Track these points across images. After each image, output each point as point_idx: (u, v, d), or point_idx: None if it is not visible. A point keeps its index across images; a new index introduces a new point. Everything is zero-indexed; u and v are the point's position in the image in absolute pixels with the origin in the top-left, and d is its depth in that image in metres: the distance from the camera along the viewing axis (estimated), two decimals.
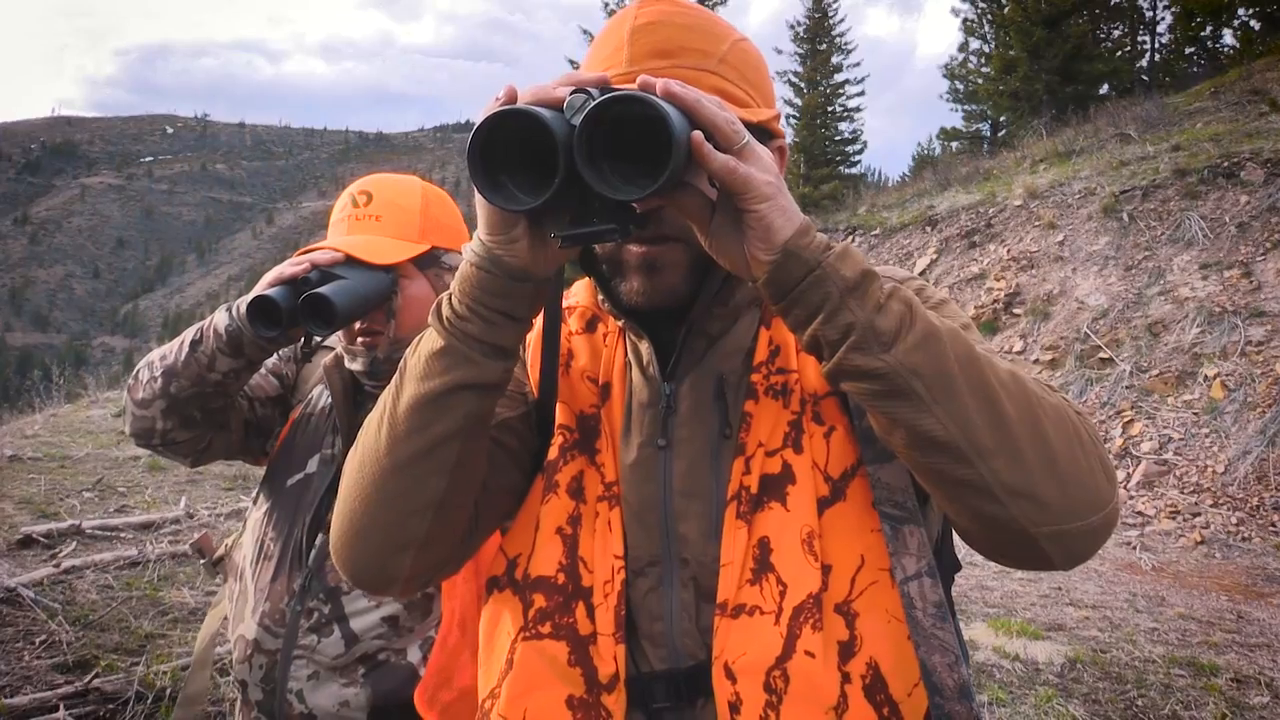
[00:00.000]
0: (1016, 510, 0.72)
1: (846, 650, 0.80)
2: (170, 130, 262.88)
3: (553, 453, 0.92)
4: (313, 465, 1.45)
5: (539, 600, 0.88)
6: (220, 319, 1.38)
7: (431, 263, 1.46)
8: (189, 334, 1.42)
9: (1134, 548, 6.58)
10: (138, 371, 1.46)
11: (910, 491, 0.82)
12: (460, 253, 1.52)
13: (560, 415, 0.94)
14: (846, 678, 0.79)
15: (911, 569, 0.80)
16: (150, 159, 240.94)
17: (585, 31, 21.13)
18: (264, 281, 1.35)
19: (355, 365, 1.44)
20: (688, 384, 0.91)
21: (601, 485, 0.90)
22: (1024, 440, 0.72)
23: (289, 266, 1.35)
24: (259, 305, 1.32)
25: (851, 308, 0.71)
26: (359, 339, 1.43)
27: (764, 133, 0.89)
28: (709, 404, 0.89)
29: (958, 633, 0.98)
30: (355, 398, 1.49)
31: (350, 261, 1.37)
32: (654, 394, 0.91)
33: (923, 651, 0.78)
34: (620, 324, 0.95)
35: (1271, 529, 6.61)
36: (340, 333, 1.48)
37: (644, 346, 0.92)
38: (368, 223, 1.43)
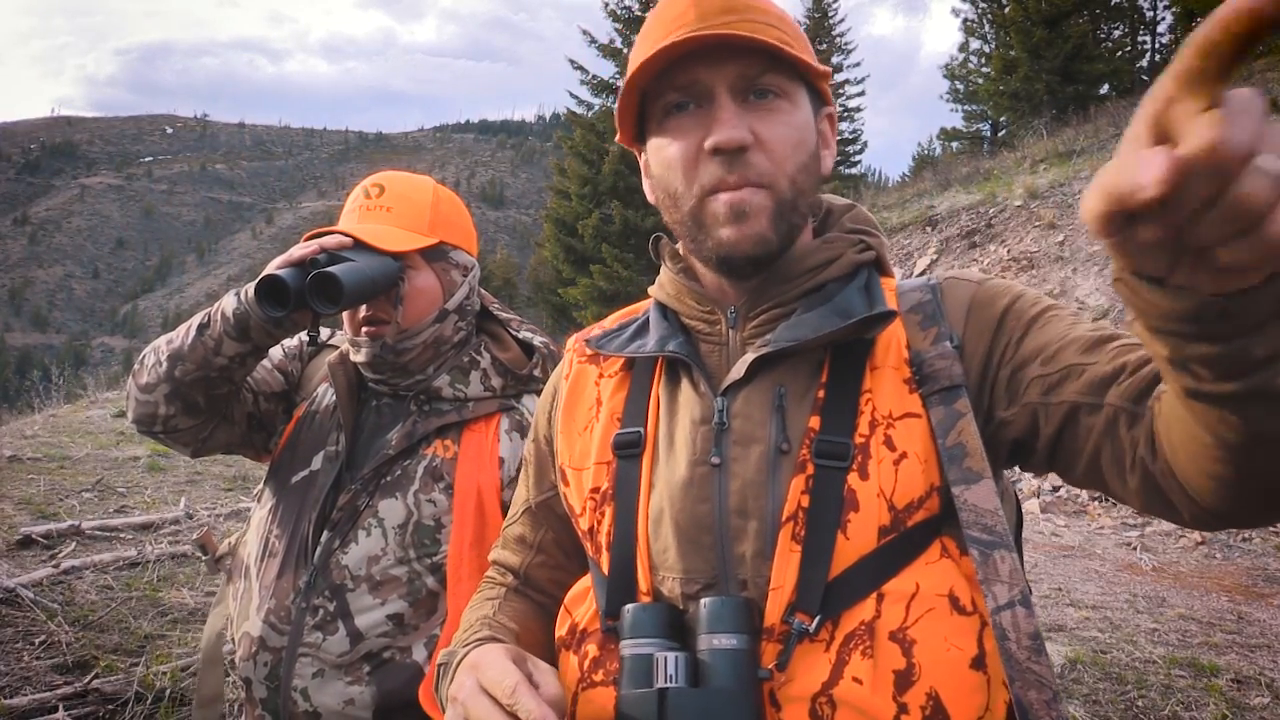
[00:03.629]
0: None
1: (904, 679, 0.76)
2: (170, 130, 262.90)
3: (586, 520, 0.95)
4: (317, 462, 1.45)
5: (591, 650, 0.88)
6: (228, 302, 1.38)
7: (439, 257, 1.46)
8: (197, 318, 1.42)
9: (1134, 548, 6.58)
10: (143, 357, 1.45)
11: (1000, 514, 0.77)
12: (469, 251, 1.52)
13: (590, 480, 0.95)
14: (904, 708, 0.76)
15: (1004, 598, 0.75)
16: (150, 159, 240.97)
17: (586, 32, 21.12)
18: (273, 264, 1.35)
19: (359, 357, 1.44)
20: (742, 398, 0.88)
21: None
22: None
23: (298, 249, 1.36)
24: (267, 285, 1.32)
25: None
26: (364, 329, 1.43)
27: (818, 92, 0.93)
28: (765, 418, 0.86)
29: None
30: (359, 395, 1.49)
31: (359, 247, 1.37)
32: (706, 410, 0.89)
33: (1018, 687, 0.73)
34: (656, 355, 0.95)
35: (1272, 529, 6.61)
36: (345, 324, 1.48)
37: (695, 370, 0.92)
38: (379, 213, 1.43)
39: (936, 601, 0.78)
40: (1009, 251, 11.28)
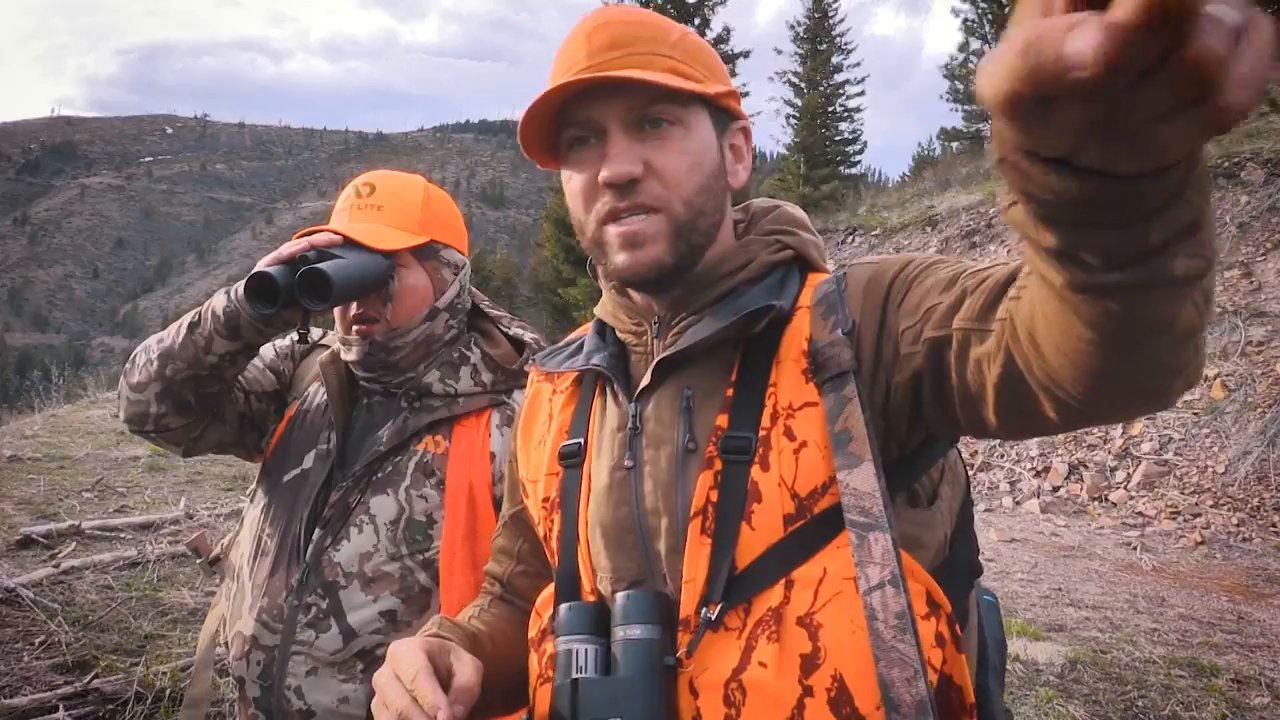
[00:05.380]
0: (1198, 357, 0.64)
1: (810, 663, 0.79)
2: (170, 130, 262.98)
3: (541, 528, 1.03)
4: (309, 461, 1.45)
5: (549, 649, 0.93)
6: (218, 301, 1.39)
7: (430, 255, 1.46)
8: (187, 317, 1.42)
9: (1134, 548, 6.58)
10: (134, 356, 1.46)
11: (877, 497, 0.79)
12: (459, 250, 1.52)
13: (542, 491, 1.02)
14: (809, 690, 0.78)
15: (875, 578, 0.77)
16: (150, 159, 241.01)
17: None
18: (263, 262, 1.35)
19: (350, 355, 1.45)
20: (653, 402, 0.92)
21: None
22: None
23: (288, 247, 1.36)
24: (257, 282, 1.32)
25: (1189, 196, 0.50)
26: (354, 327, 1.43)
27: (723, 111, 0.96)
28: (674, 420, 0.90)
29: (986, 644, 0.96)
30: (350, 393, 1.49)
31: (349, 245, 1.38)
32: (623, 417, 0.94)
33: (882, 666, 0.76)
34: (585, 369, 1.00)
35: (1272, 529, 6.61)
36: (336, 323, 1.48)
37: (616, 384, 0.96)
38: (369, 212, 1.44)
39: (843, 585, 0.80)
40: (1009, 251, 11.27)
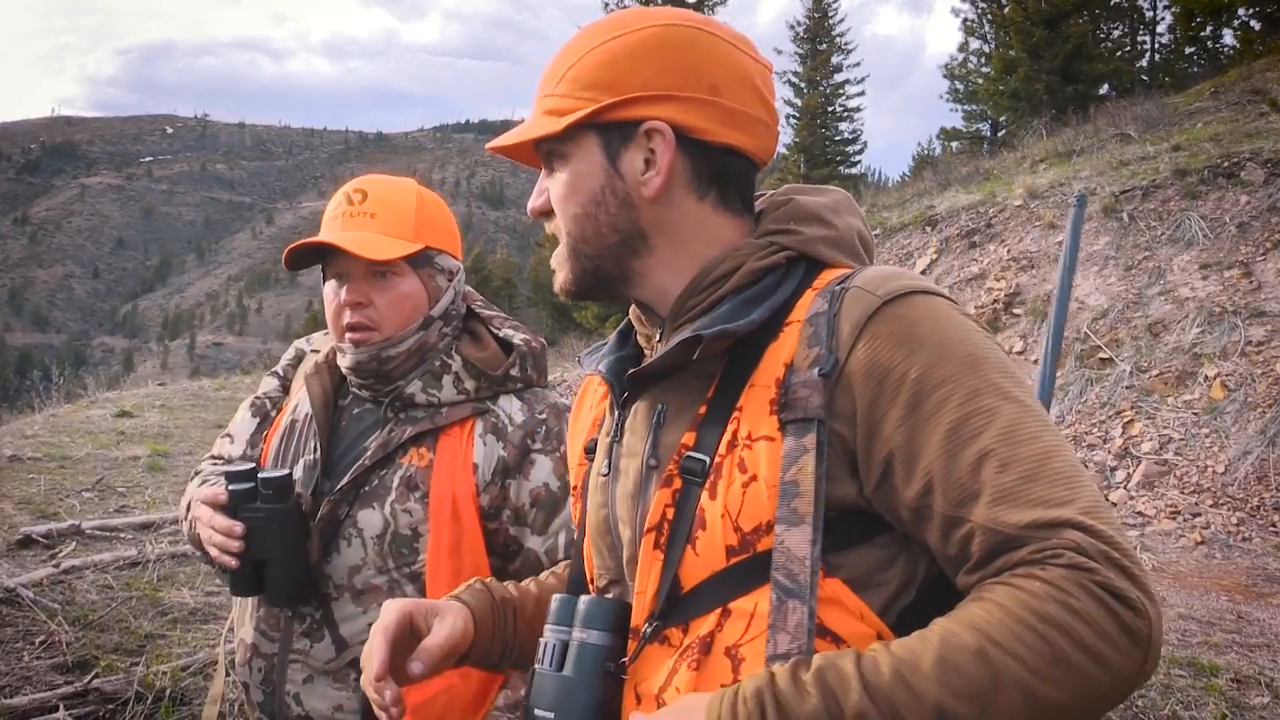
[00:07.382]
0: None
1: None
2: (170, 130, 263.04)
3: (575, 513, 1.08)
4: (298, 471, 1.45)
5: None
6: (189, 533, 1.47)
7: (425, 263, 1.45)
8: (191, 529, 1.46)
9: (1134, 547, 6.57)
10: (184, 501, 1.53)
11: (807, 565, 0.76)
12: (453, 255, 1.51)
13: (573, 478, 1.09)
14: None
15: (782, 647, 0.76)
16: (150, 159, 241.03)
17: None
18: (205, 533, 1.36)
19: (344, 362, 1.45)
20: (633, 412, 0.94)
21: None
22: None
23: (218, 551, 1.35)
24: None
25: None
26: (348, 335, 1.42)
27: (616, 125, 0.89)
28: (646, 433, 0.91)
29: None
30: (336, 401, 1.49)
31: (262, 515, 1.35)
32: (612, 424, 0.97)
33: None
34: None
35: (1272, 529, 6.61)
36: (329, 327, 1.48)
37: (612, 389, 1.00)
38: (362, 220, 1.41)
39: (767, 628, 0.79)
40: (1009, 251, 11.27)
